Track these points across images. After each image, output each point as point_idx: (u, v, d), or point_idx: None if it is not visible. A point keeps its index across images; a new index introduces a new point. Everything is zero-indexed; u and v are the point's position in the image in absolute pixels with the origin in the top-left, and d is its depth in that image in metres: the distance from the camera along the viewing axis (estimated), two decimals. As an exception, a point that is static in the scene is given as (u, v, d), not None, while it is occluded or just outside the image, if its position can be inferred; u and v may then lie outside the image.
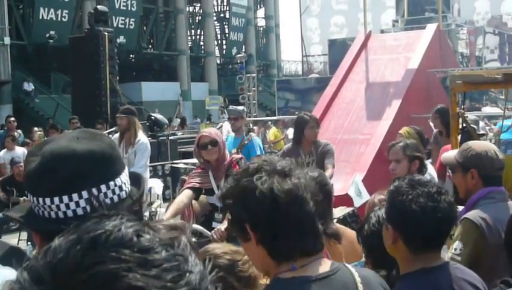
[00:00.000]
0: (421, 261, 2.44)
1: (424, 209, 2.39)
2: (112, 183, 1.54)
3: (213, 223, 5.38)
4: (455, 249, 3.25)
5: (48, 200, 1.49)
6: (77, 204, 1.49)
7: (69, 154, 1.50)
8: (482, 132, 7.64)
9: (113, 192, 1.54)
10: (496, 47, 32.69)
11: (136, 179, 1.68)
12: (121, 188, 1.56)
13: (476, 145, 3.61)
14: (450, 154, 3.77)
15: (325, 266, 1.92)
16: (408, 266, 2.48)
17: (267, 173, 1.89)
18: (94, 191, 1.50)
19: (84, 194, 1.49)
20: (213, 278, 0.91)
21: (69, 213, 1.49)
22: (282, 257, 1.89)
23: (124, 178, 1.59)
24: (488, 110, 20.36)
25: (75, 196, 1.48)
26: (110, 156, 1.56)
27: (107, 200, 1.52)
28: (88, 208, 1.49)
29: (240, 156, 5.89)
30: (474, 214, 3.32)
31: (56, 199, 1.49)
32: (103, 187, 1.52)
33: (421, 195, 2.42)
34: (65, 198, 1.48)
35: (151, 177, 10.07)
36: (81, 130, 1.63)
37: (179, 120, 33.71)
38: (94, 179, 1.51)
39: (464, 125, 5.34)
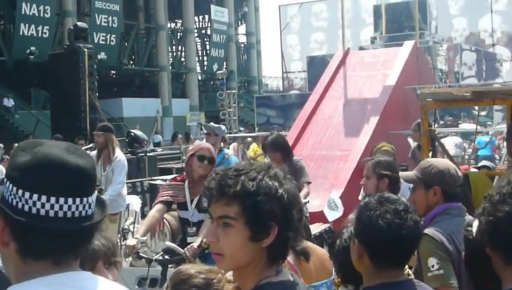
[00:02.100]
0: (383, 276, 2.47)
1: (390, 226, 2.43)
2: (85, 199, 1.64)
3: (188, 238, 5.38)
4: (433, 266, 3.26)
5: (27, 194, 1.58)
6: (52, 207, 1.59)
7: (60, 162, 1.61)
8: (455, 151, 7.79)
9: (84, 207, 1.64)
10: (473, 63, 33.00)
11: (101, 203, 1.77)
12: (90, 205, 1.66)
13: (437, 162, 3.67)
14: (408, 172, 3.82)
15: (288, 273, 2.03)
16: (370, 280, 2.52)
17: (285, 178, 1.96)
18: (70, 201, 1.61)
19: (61, 200, 1.59)
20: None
21: (42, 212, 1.58)
22: (279, 259, 1.98)
23: (94, 198, 1.69)
24: (465, 126, 20.52)
25: (52, 199, 1.59)
26: (92, 175, 1.68)
27: (77, 213, 1.62)
28: (60, 213, 1.59)
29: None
30: (432, 231, 3.36)
31: (35, 196, 1.58)
32: (78, 200, 1.62)
33: (388, 211, 2.46)
34: (43, 197, 1.58)
35: (129, 193, 10.05)
36: (70, 144, 1.73)
37: (159, 136, 33.66)
38: (74, 191, 1.62)
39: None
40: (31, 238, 1.60)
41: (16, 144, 18.54)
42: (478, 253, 2.25)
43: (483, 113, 23.29)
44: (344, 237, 2.92)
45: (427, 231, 3.37)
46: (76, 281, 1.64)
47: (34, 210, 1.58)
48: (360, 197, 5.42)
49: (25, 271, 1.61)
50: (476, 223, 2.31)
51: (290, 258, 3.23)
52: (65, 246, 1.63)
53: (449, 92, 5.40)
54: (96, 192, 1.71)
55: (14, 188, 1.60)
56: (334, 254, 3.03)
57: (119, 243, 7.86)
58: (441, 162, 3.69)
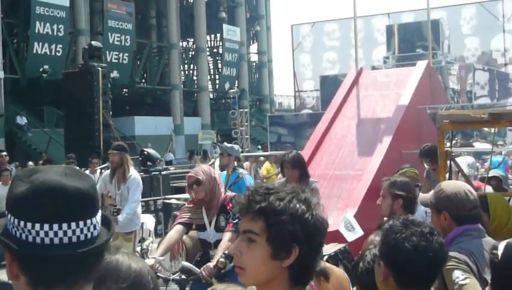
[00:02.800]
0: None
1: (416, 248, 2.46)
2: (89, 221, 1.62)
3: (211, 260, 5.38)
4: (458, 277, 3.23)
5: (29, 225, 1.56)
6: (56, 234, 1.56)
7: (59, 188, 1.58)
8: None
9: (89, 229, 1.62)
10: (485, 83, 32.94)
11: (107, 222, 1.75)
12: (95, 226, 1.64)
13: (447, 186, 3.66)
14: (426, 195, 3.83)
15: None
16: None
17: (315, 206, 2.02)
18: (73, 225, 1.58)
19: (64, 226, 1.57)
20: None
21: (46, 241, 1.56)
22: (301, 281, 2.01)
23: (98, 218, 1.67)
24: (478, 145, 20.48)
25: (55, 226, 1.56)
26: (93, 196, 1.65)
27: (82, 236, 1.60)
28: (65, 239, 1.57)
29: (233, 194, 5.85)
30: (453, 252, 3.35)
31: (37, 225, 1.55)
32: (81, 223, 1.60)
33: (414, 234, 2.49)
34: (46, 226, 1.56)
35: (143, 212, 10.08)
36: (68, 167, 1.71)
37: (171, 154, 33.73)
38: (76, 214, 1.59)
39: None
40: (39, 268, 1.58)
41: (30, 162, 18.66)
42: (504, 276, 2.25)
43: (492, 130, 23.26)
44: (367, 259, 2.93)
45: (448, 253, 3.37)
46: None
47: (38, 240, 1.56)
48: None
49: None
50: (502, 246, 2.31)
51: None
52: (75, 272, 1.60)
53: (466, 114, 5.40)
54: (100, 212, 1.70)
55: (16, 220, 1.57)
56: (357, 275, 3.03)
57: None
58: (451, 185, 3.66)
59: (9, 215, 1.60)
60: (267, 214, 1.95)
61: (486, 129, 23.35)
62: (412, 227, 2.52)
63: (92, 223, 1.63)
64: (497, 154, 18.10)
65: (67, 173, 1.64)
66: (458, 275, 3.23)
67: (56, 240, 1.56)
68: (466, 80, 33.04)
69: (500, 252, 2.43)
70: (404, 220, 2.59)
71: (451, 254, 3.34)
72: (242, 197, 2.03)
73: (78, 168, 1.84)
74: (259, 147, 36.70)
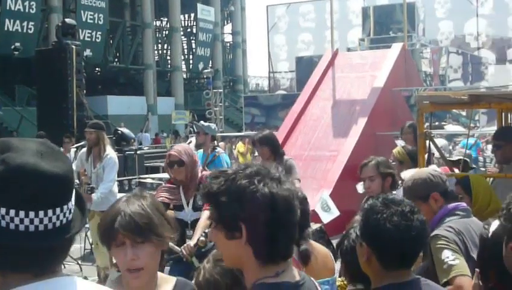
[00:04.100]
0: (392, 277, 2.50)
1: (398, 228, 2.46)
2: (65, 206, 1.56)
3: (186, 240, 5.38)
4: (448, 257, 3.28)
5: (3, 210, 1.49)
6: (31, 221, 1.50)
7: (36, 173, 1.51)
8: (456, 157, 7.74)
9: (64, 215, 1.56)
10: (459, 66, 33.21)
11: (79, 198, 1.69)
12: (70, 211, 1.59)
13: (416, 175, 3.72)
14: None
15: (295, 273, 2.04)
16: (379, 281, 2.55)
17: (265, 178, 1.97)
18: (50, 212, 1.52)
19: (41, 213, 1.51)
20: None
21: (21, 227, 1.50)
22: (268, 259, 1.97)
23: (73, 201, 1.61)
24: (450, 128, 20.63)
25: (31, 214, 1.50)
26: (70, 180, 1.59)
27: (58, 223, 1.54)
28: (40, 227, 1.51)
29: (209, 172, 5.84)
30: (443, 231, 3.38)
31: (12, 211, 1.49)
32: (58, 210, 1.54)
33: (394, 214, 2.48)
34: (21, 213, 1.49)
35: (118, 192, 10.04)
36: (43, 144, 1.61)
37: (147, 134, 33.61)
38: (53, 201, 1.53)
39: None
40: (10, 253, 1.50)
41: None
42: (492, 253, 2.27)
43: (463, 113, 23.43)
44: (352, 238, 2.94)
45: (437, 231, 3.39)
46: (64, 287, 1.56)
47: (12, 226, 1.49)
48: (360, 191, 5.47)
49: (4, 283, 1.53)
50: (495, 223, 2.33)
51: (295, 255, 3.27)
52: (47, 258, 1.55)
53: (446, 95, 5.44)
54: (74, 195, 1.62)
55: None
56: (342, 254, 3.05)
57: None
58: (419, 172, 3.74)
59: None
60: (210, 198, 2.01)
61: (456, 111, 23.51)
62: (393, 206, 2.51)
63: (68, 207, 1.57)
64: (469, 137, 18.26)
65: (43, 153, 1.56)
66: (448, 255, 3.26)
67: (32, 228, 1.50)
68: (439, 63, 33.27)
69: (492, 228, 2.45)
70: (384, 200, 2.58)
71: (440, 232, 3.37)
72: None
73: (50, 143, 1.70)
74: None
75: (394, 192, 5.01)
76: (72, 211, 1.60)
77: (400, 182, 5.91)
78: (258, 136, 7.68)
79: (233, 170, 2.01)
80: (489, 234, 2.52)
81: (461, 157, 6.94)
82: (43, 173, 1.51)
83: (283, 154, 7.81)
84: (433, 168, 3.74)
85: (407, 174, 3.94)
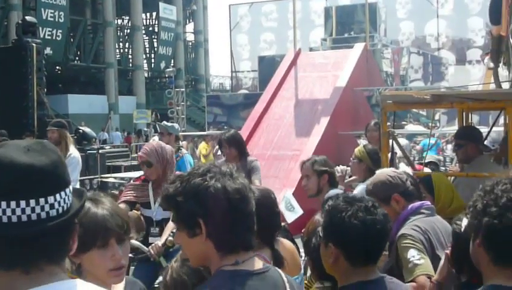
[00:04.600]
0: (359, 274, 2.52)
1: (365, 223, 2.48)
2: (42, 199, 1.52)
3: (149, 238, 5.36)
4: (413, 256, 3.31)
5: None
6: (3, 212, 1.49)
7: (8, 164, 1.50)
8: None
9: (42, 208, 1.52)
10: (420, 67, 33.54)
11: (79, 194, 1.68)
12: (52, 206, 1.55)
13: (375, 178, 3.77)
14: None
15: (259, 263, 2.14)
16: (345, 279, 2.56)
17: (217, 174, 2.08)
18: (23, 203, 1.50)
19: (13, 204, 1.49)
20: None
21: (4, 219, 1.49)
22: (228, 249, 2.08)
23: (62, 196, 1.58)
24: (411, 127, 20.88)
25: (3, 204, 1.49)
26: (49, 174, 1.56)
27: (34, 216, 1.51)
28: (13, 218, 1.49)
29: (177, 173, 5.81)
30: (410, 230, 3.42)
31: None
32: (32, 202, 1.51)
33: (359, 210, 2.51)
34: (3, 203, 1.49)
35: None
36: (37, 142, 1.61)
37: (118, 133, 33.43)
38: (25, 193, 1.51)
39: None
40: None
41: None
42: (465, 248, 2.31)
43: (423, 113, 23.71)
44: (320, 235, 2.95)
45: (404, 231, 3.43)
46: None
47: None
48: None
49: None
50: (466, 219, 2.37)
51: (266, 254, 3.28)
52: (34, 253, 1.52)
53: (410, 95, 5.50)
54: (69, 188, 1.61)
55: None
56: (310, 251, 3.06)
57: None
58: (378, 174, 3.79)
59: None
60: (169, 202, 2.13)
61: (416, 111, 23.76)
62: (356, 203, 2.53)
63: (46, 202, 1.53)
64: (429, 137, 18.50)
65: (30, 149, 1.55)
66: (414, 254, 3.30)
67: (4, 219, 1.48)
68: (400, 63, 33.56)
69: (463, 223, 2.50)
70: (345, 198, 2.60)
71: (407, 231, 3.41)
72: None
73: (47, 143, 1.69)
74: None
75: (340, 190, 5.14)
76: (64, 204, 1.57)
77: (347, 177, 6.06)
78: (226, 136, 7.62)
79: (188, 172, 2.14)
80: (462, 229, 2.57)
81: (433, 160, 7.06)
82: (18, 165, 1.50)
83: (248, 155, 7.80)
84: (392, 170, 3.77)
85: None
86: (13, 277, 1.50)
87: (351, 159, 6.49)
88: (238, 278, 2.04)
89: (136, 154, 26.79)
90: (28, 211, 1.50)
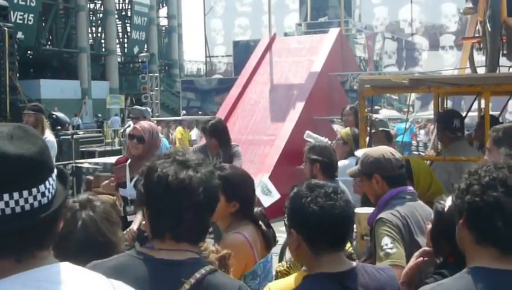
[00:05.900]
0: (322, 265, 2.49)
1: (323, 208, 2.46)
2: (34, 189, 1.51)
3: (128, 217, 5.34)
4: (386, 245, 3.32)
5: None
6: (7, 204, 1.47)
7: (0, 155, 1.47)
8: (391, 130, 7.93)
9: (35, 198, 1.51)
10: (393, 52, 33.74)
11: (62, 176, 1.66)
12: (43, 194, 1.53)
13: (372, 151, 3.77)
14: (354, 167, 3.92)
15: (184, 253, 2.18)
16: (310, 268, 2.55)
17: (171, 160, 2.19)
18: (16, 195, 1.48)
19: (6, 197, 1.47)
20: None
21: None
22: (154, 234, 2.22)
23: (50, 182, 1.56)
24: (385, 112, 21.00)
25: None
26: (38, 162, 1.53)
27: (27, 206, 1.49)
28: (7, 210, 1.47)
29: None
30: (388, 215, 3.43)
31: None
32: (25, 193, 1.49)
33: (318, 196, 2.50)
34: None
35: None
36: (18, 128, 1.57)
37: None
38: (17, 184, 1.49)
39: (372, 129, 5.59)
40: None
41: None
42: (447, 226, 2.32)
43: (395, 97, 23.90)
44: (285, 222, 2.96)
45: (382, 215, 3.44)
46: (53, 275, 1.53)
47: None
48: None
49: None
50: (450, 198, 2.39)
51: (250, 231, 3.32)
52: (27, 242, 1.50)
53: (388, 79, 5.52)
54: (54, 172, 1.58)
55: None
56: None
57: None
58: (376, 150, 3.77)
59: None
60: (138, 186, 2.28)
61: (389, 96, 23.95)
62: (316, 189, 2.53)
63: (38, 191, 1.51)
64: (403, 122, 18.64)
65: (13, 136, 1.52)
66: (387, 242, 3.32)
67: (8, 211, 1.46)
68: (374, 49, 33.72)
69: (447, 203, 2.52)
70: (308, 184, 2.59)
71: (386, 216, 3.42)
72: None
73: (27, 127, 1.65)
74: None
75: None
76: (52, 192, 1.56)
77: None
78: (209, 127, 7.46)
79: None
80: (446, 209, 2.59)
81: (385, 129, 7.12)
82: (8, 157, 1.47)
83: (230, 142, 7.69)
84: (391, 151, 3.75)
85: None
86: (6, 266, 1.49)
87: (336, 139, 6.50)
88: (137, 260, 2.17)
89: (110, 140, 26.73)
90: (22, 202, 1.48)
